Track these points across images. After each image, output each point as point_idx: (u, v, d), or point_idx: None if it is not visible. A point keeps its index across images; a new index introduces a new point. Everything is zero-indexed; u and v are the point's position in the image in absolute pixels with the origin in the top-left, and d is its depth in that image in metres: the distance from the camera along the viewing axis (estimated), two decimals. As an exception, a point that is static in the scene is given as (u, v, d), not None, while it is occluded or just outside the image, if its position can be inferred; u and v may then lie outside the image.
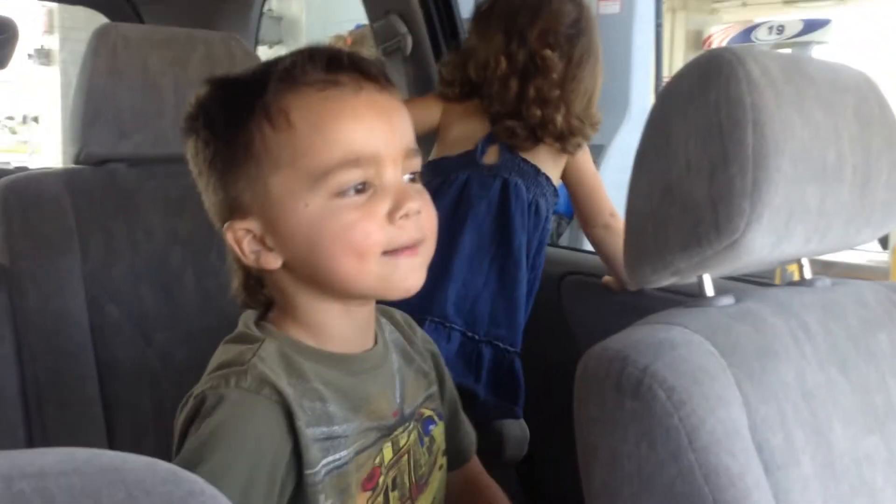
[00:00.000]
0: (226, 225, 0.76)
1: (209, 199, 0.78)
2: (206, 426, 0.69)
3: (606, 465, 0.63)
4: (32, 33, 7.82)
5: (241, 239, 0.75)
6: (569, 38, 1.38)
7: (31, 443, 1.18)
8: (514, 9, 1.39)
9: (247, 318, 0.80)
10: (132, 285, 1.26)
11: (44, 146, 8.46)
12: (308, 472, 0.71)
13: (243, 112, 0.73)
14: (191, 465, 0.67)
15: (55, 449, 0.37)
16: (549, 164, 1.41)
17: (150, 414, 1.24)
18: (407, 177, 0.76)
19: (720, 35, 7.60)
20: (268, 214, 0.73)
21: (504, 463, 1.39)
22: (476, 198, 1.37)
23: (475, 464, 0.98)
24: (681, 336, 0.66)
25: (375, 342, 0.82)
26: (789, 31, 7.06)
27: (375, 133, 0.72)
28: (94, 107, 1.25)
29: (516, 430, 1.40)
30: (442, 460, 0.88)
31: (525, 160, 1.39)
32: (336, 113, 0.71)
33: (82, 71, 1.27)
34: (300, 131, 0.71)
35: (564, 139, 1.38)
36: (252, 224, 0.74)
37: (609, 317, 1.43)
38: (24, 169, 1.96)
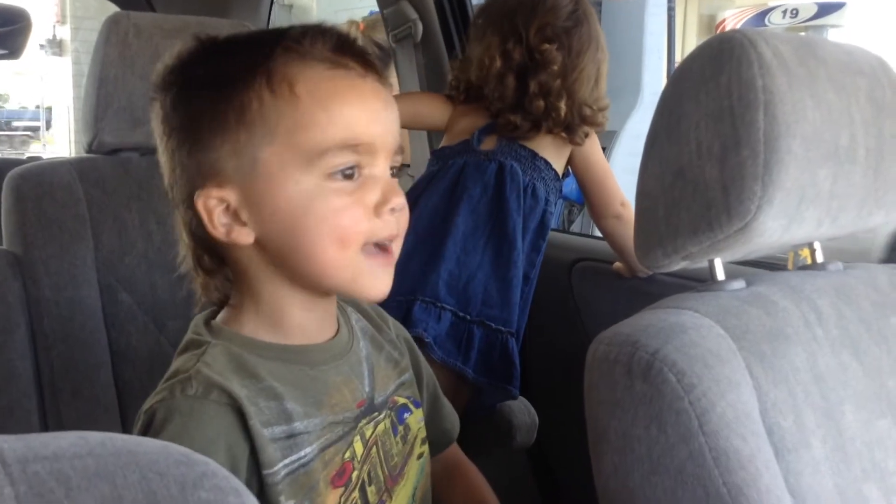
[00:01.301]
0: (197, 192, 0.70)
1: (175, 163, 0.72)
2: (161, 437, 0.66)
3: (617, 449, 0.63)
4: (45, 24, 7.85)
5: (213, 209, 0.70)
6: (566, 30, 1.39)
7: (45, 429, 1.19)
8: (510, 10, 1.41)
9: (196, 322, 0.77)
10: (145, 273, 1.27)
11: (56, 136, 8.51)
12: (266, 472, 0.69)
13: (242, 73, 0.69)
14: None
15: (69, 432, 0.38)
16: (551, 152, 1.41)
17: (165, 400, 1.25)
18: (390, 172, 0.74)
19: (733, 19, 7.54)
20: (250, 186, 0.69)
21: (514, 449, 1.40)
22: (471, 180, 1.37)
23: (455, 449, 0.97)
24: (691, 320, 0.66)
25: (338, 331, 0.80)
26: (803, 15, 7.00)
27: (378, 121, 0.71)
28: (106, 95, 1.25)
29: (525, 416, 1.40)
30: (421, 449, 0.85)
31: (523, 146, 1.39)
32: (344, 93, 0.69)
33: (94, 60, 1.27)
34: (304, 104, 0.68)
35: (572, 128, 1.38)
36: (228, 194, 0.69)
37: (620, 303, 1.43)
38: (37, 159, 1.97)
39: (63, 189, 1.24)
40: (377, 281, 0.72)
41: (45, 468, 0.34)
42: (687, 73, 0.70)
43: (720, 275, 0.74)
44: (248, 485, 0.67)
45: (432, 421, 0.90)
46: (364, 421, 0.77)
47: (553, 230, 1.51)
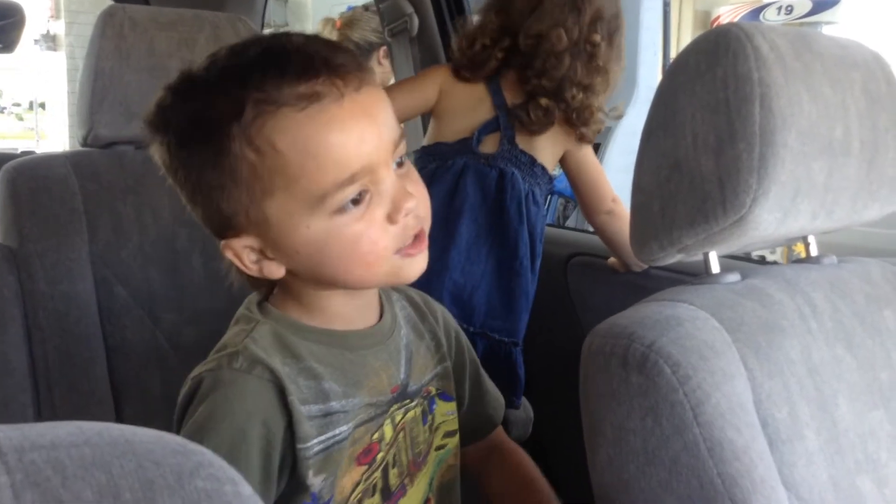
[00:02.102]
0: (222, 242, 0.74)
1: (196, 211, 0.75)
2: (202, 408, 0.71)
3: (612, 441, 0.64)
4: (39, 18, 7.82)
5: (241, 253, 0.73)
6: (610, 30, 1.38)
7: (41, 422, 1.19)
8: None
9: (250, 301, 0.80)
10: (140, 267, 1.27)
11: (50, 132, 8.48)
12: (300, 446, 0.72)
13: (221, 136, 0.68)
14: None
15: (66, 422, 0.38)
16: (547, 155, 1.40)
17: (159, 394, 1.25)
18: (395, 164, 0.74)
19: (729, 15, 7.54)
20: (266, 235, 0.72)
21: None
22: (472, 188, 1.35)
23: (500, 431, 0.99)
24: (686, 312, 0.66)
25: (381, 318, 0.83)
26: (798, 11, 7.00)
27: (365, 141, 0.69)
28: (101, 89, 1.25)
29: (521, 411, 1.40)
30: (444, 441, 0.88)
31: (523, 151, 1.38)
32: (323, 131, 0.67)
33: (89, 53, 1.27)
34: (289, 157, 0.67)
35: (590, 126, 1.38)
36: (250, 240, 0.73)
37: (615, 297, 1.43)
38: (32, 153, 1.97)
39: (58, 183, 1.24)
40: (413, 268, 0.75)
41: (42, 457, 0.34)
42: (683, 66, 0.70)
43: (715, 268, 0.74)
44: (284, 458, 0.73)
45: (475, 408, 0.94)
46: (395, 406, 0.80)
47: (549, 225, 1.52)
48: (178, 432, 0.72)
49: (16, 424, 0.36)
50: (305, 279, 0.76)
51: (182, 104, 0.71)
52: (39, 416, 1.19)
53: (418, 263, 0.75)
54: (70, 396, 1.21)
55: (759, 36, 0.66)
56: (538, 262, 1.40)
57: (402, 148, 0.74)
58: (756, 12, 7.35)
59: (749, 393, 0.63)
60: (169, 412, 1.26)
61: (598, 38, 1.35)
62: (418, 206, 0.73)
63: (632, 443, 0.62)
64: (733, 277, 0.74)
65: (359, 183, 0.69)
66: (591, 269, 1.54)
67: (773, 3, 7.29)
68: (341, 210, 0.69)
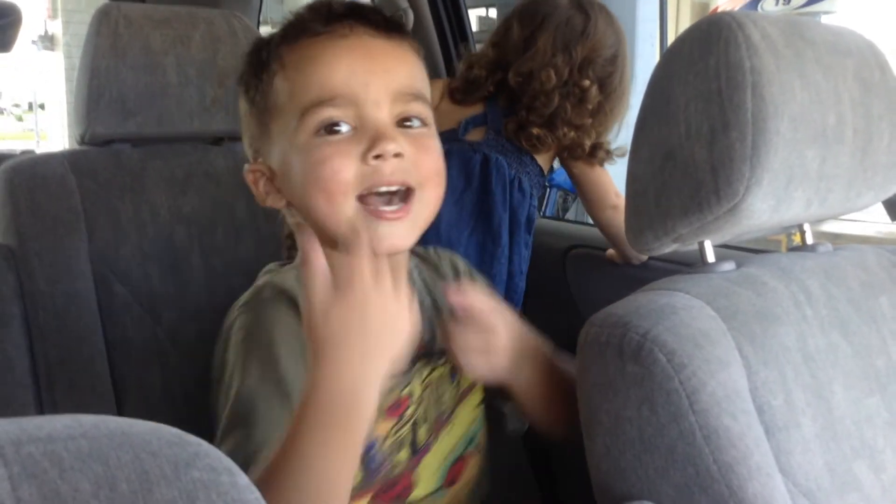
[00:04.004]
0: (245, 167, 0.82)
1: (244, 142, 0.86)
2: (244, 323, 0.76)
3: (609, 430, 0.64)
4: (36, 18, 7.81)
5: (258, 180, 0.81)
6: (606, 73, 1.39)
7: (43, 421, 1.19)
8: (562, 22, 1.38)
9: (269, 265, 0.86)
10: (139, 265, 1.27)
11: (50, 132, 8.48)
12: None
13: (258, 66, 0.80)
14: (240, 364, 0.73)
15: (63, 415, 0.38)
16: (541, 158, 1.42)
17: (160, 391, 1.26)
18: (414, 123, 0.76)
19: (727, 6, 7.52)
20: (272, 156, 0.79)
21: (508, 435, 1.40)
22: (455, 171, 1.36)
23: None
24: (681, 301, 0.66)
25: None
26: (796, 2, 6.99)
27: (356, 74, 0.74)
28: (97, 87, 1.25)
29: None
30: (474, 398, 0.89)
31: (510, 140, 1.39)
32: (317, 55, 0.75)
33: (85, 51, 1.27)
34: (290, 76, 0.76)
35: (589, 157, 1.39)
36: (263, 166, 0.81)
37: (613, 289, 1.43)
38: (31, 152, 1.97)
39: (56, 181, 1.24)
40: (382, 234, 0.73)
41: (39, 449, 0.34)
42: (676, 55, 0.70)
43: (710, 257, 0.74)
44: None
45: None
46: (422, 363, 0.83)
47: (548, 217, 1.52)
48: (220, 377, 0.76)
49: (13, 418, 0.37)
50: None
51: (248, 55, 0.84)
52: (41, 414, 1.19)
53: (390, 231, 0.74)
54: (71, 394, 1.21)
55: (750, 24, 0.66)
56: (524, 252, 1.40)
57: (415, 108, 0.76)
58: (754, 3, 7.34)
59: (745, 381, 0.64)
60: (170, 408, 1.26)
61: (586, 82, 1.37)
62: (408, 160, 0.74)
63: (628, 431, 0.63)
64: (728, 266, 0.74)
65: (339, 109, 0.73)
66: (589, 260, 1.54)
67: (771, -7, 7.27)
68: (319, 131, 0.74)
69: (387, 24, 0.78)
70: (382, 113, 0.74)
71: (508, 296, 1.38)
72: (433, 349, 0.84)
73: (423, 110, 0.77)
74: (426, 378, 0.83)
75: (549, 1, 1.41)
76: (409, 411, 0.81)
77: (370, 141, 0.72)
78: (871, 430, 0.70)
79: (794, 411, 0.65)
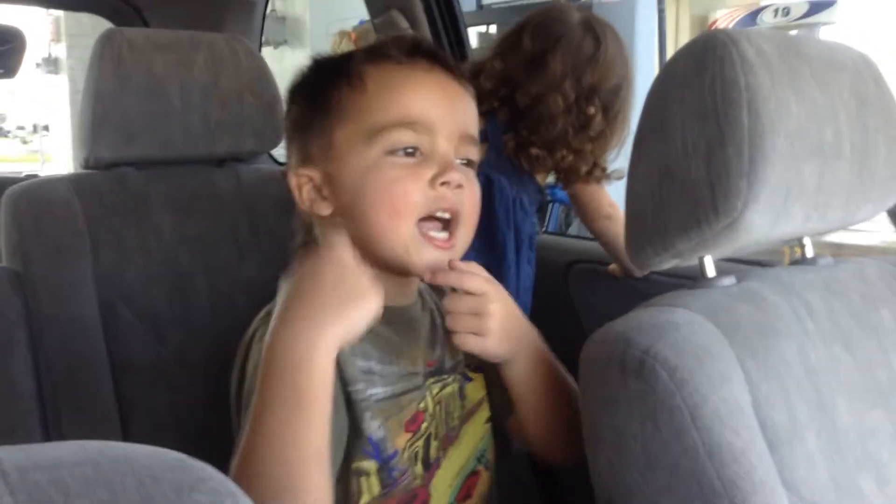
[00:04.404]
0: (291, 171, 0.85)
1: (288, 152, 0.89)
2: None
3: (611, 446, 0.64)
4: (40, 42, 7.88)
5: (303, 185, 0.84)
6: (610, 100, 1.39)
7: (49, 445, 1.19)
8: (575, 45, 1.38)
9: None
10: (144, 287, 1.27)
11: (55, 155, 8.53)
12: (350, 388, 0.78)
13: (331, 77, 0.84)
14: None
15: (69, 442, 0.38)
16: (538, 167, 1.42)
17: (167, 414, 1.26)
18: (460, 161, 0.82)
19: (725, 19, 7.55)
20: (328, 163, 0.82)
21: (513, 454, 1.40)
22: None
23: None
24: (683, 317, 0.67)
25: (413, 303, 0.88)
26: (795, 13, 7.01)
27: (436, 107, 0.80)
28: (101, 111, 1.26)
29: None
30: (482, 414, 0.91)
31: (509, 159, 1.39)
32: (403, 81, 0.81)
33: (88, 76, 1.28)
34: (370, 91, 0.81)
35: (585, 177, 1.40)
36: (313, 172, 0.83)
37: (616, 304, 1.43)
38: (35, 177, 1.98)
39: (61, 205, 1.25)
40: (427, 255, 0.80)
41: (45, 477, 0.35)
42: (671, 73, 0.71)
43: (710, 272, 0.75)
44: (340, 399, 0.77)
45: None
46: (432, 380, 0.85)
47: (550, 233, 1.52)
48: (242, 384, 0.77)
49: (18, 445, 0.37)
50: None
51: (314, 66, 0.88)
52: (47, 439, 1.20)
53: (436, 257, 0.80)
54: (77, 418, 1.21)
55: (744, 41, 0.67)
56: (528, 269, 1.41)
57: (471, 151, 0.84)
58: (753, 15, 7.36)
59: (747, 395, 0.64)
60: (177, 430, 1.26)
61: (592, 109, 1.37)
62: (464, 192, 0.80)
63: (632, 448, 0.63)
64: (729, 281, 0.74)
65: (415, 134, 0.79)
66: (592, 275, 1.54)
67: (770, 5, 7.30)
68: (393, 151, 0.79)
69: (460, 71, 0.85)
70: (451, 146, 0.81)
71: None
72: (444, 367, 0.87)
73: (476, 153, 0.85)
74: (437, 395, 0.85)
75: (563, 18, 1.41)
76: (424, 426, 0.83)
77: (440, 168, 0.79)
78: (875, 443, 0.70)
79: (798, 425, 0.65)
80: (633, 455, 0.63)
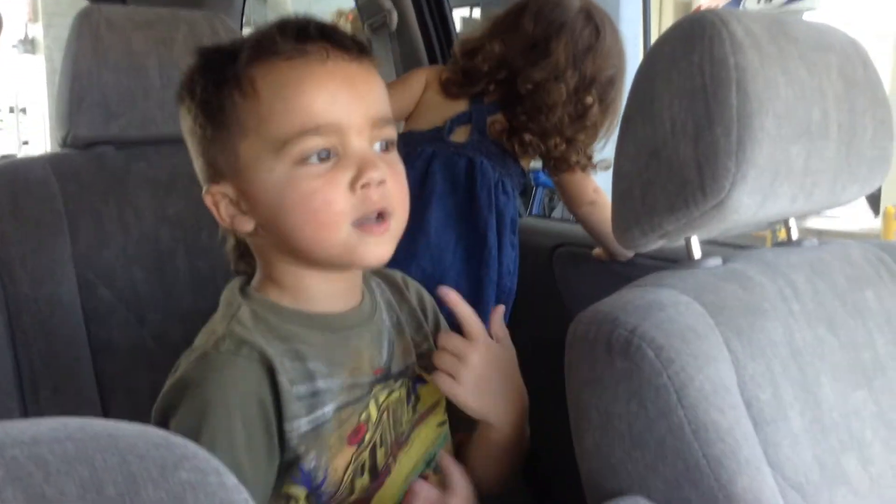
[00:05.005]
0: (204, 189, 0.78)
1: (196, 165, 0.81)
2: (195, 399, 0.72)
3: (598, 426, 0.64)
4: (16, 22, 7.75)
5: (219, 202, 0.77)
6: (604, 91, 1.39)
7: (28, 426, 1.18)
8: (576, 33, 1.37)
9: (231, 287, 0.82)
10: (124, 267, 1.26)
11: (32, 137, 8.41)
12: (287, 426, 0.73)
13: (218, 81, 0.75)
14: (192, 435, 0.68)
15: (49, 418, 0.38)
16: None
17: (147, 395, 1.24)
18: (378, 145, 0.76)
19: (709, 4, 7.55)
20: (238, 179, 0.75)
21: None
22: (441, 175, 1.36)
23: None
24: (669, 297, 0.66)
25: (362, 301, 0.84)
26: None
27: (339, 102, 0.73)
28: (79, 90, 1.24)
29: None
30: (441, 417, 0.89)
31: (493, 142, 1.39)
32: (298, 81, 0.73)
33: (66, 54, 1.26)
34: (264, 99, 0.73)
35: (568, 167, 1.39)
36: (227, 188, 0.77)
37: (600, 287, 1.43)
38: (12, 156, 1.95)
39: (38, 185, 1.23)
40: (371, 250, 0.75)
41: (24, 453, 0.34)
42: (659, 53, 0.71)
43: (697, 253, 0.75)
44: (276, 435, 0.74)
45: None
46: (379, 387, 0.82)
47: (535, 216, 1.52)
48: (162, 425, 0.72)
49: (-3, 422, 0.36)
50: (273, 244, 0.77)
51: (198, 62, 0.79)
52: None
53: (378, 247, 0.75)
54: (57, 399, 1.20)
55: (734, 21, 0.66)
56: (511, 253, 1.40)
57: (387, 132, 0.77)
58: (736, 2, 7.37)
59: (733, 375, 0.64)
60: (157, 411, 1.25)
61: (590, 99, 1.36)
62: (388, 186, 0.75)
63: (617, 427, 0.63)
64: (715, 262, 0.74)
65: (323, 138, 0.72)
66: (576, 259, 1.54)
67: (753, -9, 7.31)
68: (303, 161, 0.72)
69: (359, 48, 0.77)
70: (364, 140, 0.74)
71: (499, 297, 1.38)
72: (391, 373, 0.84)
73: (393, 133, 0.79)
74: (384, 402, 0.82)
75: (563, 4, 1.39)
76: (368, 436, 0.80)
77: (357, 170, 0.73)
78: (859, 423, 0.71)
79: (782, 405, 0.66)
80: (618, 434, 0.63)
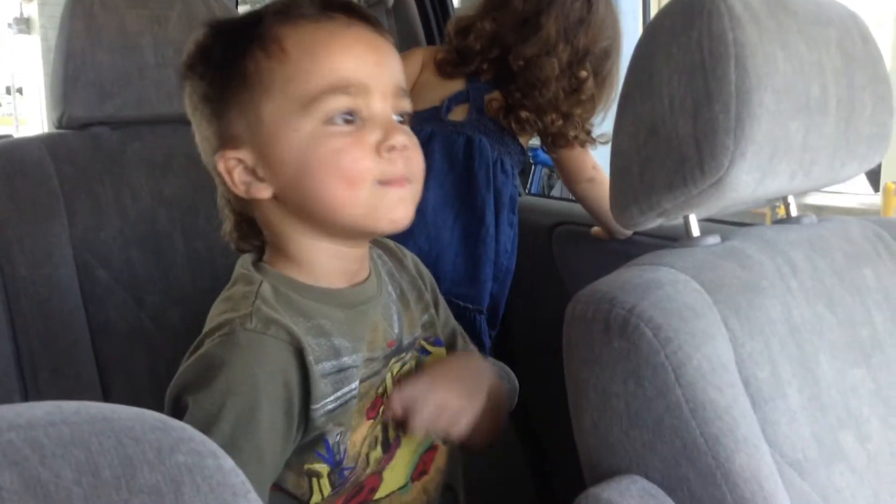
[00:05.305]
0: (217, 154, 0.76)
1: (201, 134, 0.79)
2: (222, 375, 0.70)
3: (596, 405, 0.64)
4: (11, 1, 7.70)
5: (233, 169, 0.76)
6: (599, 65, 1.38)
7: (28, 408, 1.18)
8: (567, 7, 1.36)
9: (244, 261, 0.81)
10: (121, 249, 1.26)
11: (29, 117, 8.38)
12: (314, 406, 0.73)
13: (240, 43, 0.75)
14: (214, 414, 0.69)
15: (44, 402, 0.38)
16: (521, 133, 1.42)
17: (146, 376, 1.25)
18: (396, 118, 0.77)
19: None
20: (259, 142, 0.74)
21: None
22: (439, 154, 1.35)
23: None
24: (667, 276, 0.66)
25: (369, 276, 0.83)
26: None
27: (365, 64, 0.74)
28: (73, 70, 1.23)
29: (504, 381, 1.41)
30: None
31: (492, 119, 1.38)
32: (327, 41, 0.73)
33: (60, 34, 1.25)
34: (292, 57, 0.73)
35: (567, 143, 1.39)
36: (244, 154, 0.75)
37: (599, 266, 1.42)
38: (8, 137, 1.94)
39: (33, 166, 1.23)
40: (393, 210, 0.76)
41: (20, 436, 0.34)
42: (658, 28, 0.70)
43: (695, 231, 0.74)
44: (299, 417, 0.73)
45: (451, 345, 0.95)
46: (394, 360, 0.82)
47: (533, 195, 1.51)
48: (176, 403, 0.72)
49: (-8, 405, 0.36)
50: (289, 213, 0.76)
51: (214, 31, 0.78)
52: (26, 401, 1.19)
53: (401, 204, 0.76)
54: (56, 380, 1.20)
55: (733, -4, 0.65)
56: (509, 231, 1.40)
57: (406, 104, 0.78)
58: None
59: (731, 353, 0.64)
60: (157, 392, 1.25)
61: (584, 73, 1.36)
62: (410, 153, 0.76)
63: (615, 406, 0.63)
64: (713, 240, 0.74)
65: (351, 98, 0.73)
66: (575, 237, 1.54)
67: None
68: (330, 120, 0.72)
69: (377, 22, 0.78)
70: (387, 105, 0.75)
71: (496, 276, 1.38)
72: (402, 345, 0.84)
73: (409, 107, 0.79)
74: (397, 374, 0.82)
75: None
76: (383, 409, 0.80)
77: (383, 132, 0.73)
78: (857, 400, 0.71)
79: (781, 383, 0.66)
80: (616, 413, 0.63)
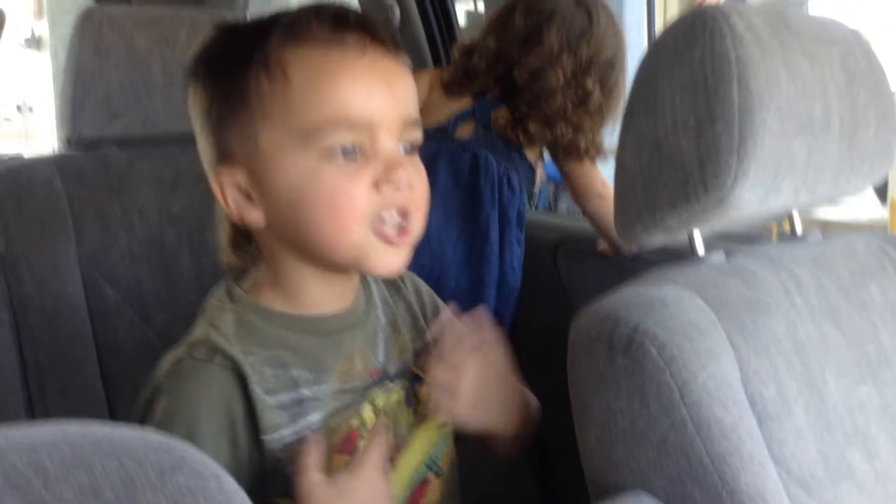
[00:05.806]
0: (212, 171, 0.74)
1: (201, 144, 0.76)
2: (163, 400, 0.71)
3: (600, 423, 0.64)
4: (22, 20, 7.77)
5: (226, 187, 0.73)
6: (605, 74, 1.39)
7: (35, 426, 1.18)
8: (567, 19, 1.38)
9: (218, 289, 0.80)
10: (129, 267, 1.27)
11: (39, 134, 8.44)
12: (267, 437, 0.71)
13: (243, 60, 0.71)
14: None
15: (47, 424, 0.38)
16: (529, 150, 1.42)
17: (153, 393, 1.25)
18: (403, 147, 0.73)
19: (714, -6, 7.50)
20: (254, 167, 0.71)
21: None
22: (445, 172, 1.36)
23: None
24: (671, 293, 0.66)
25: (356, 301, 0.81)
26: (784, -9, 6.97)
27: (373, 98, 0.70)
28: (82, 89, 1.24)
29: None
30: (435, 420, 0.84)
31: (498, 135, 1.38)
32: (334, 71, 0.69)
33: (69, 54, 1.26)
34: (295, 86, 0.69)
35: (578, 156, 1.39)
36: (238, 174, 0.72)
37: (605, 283, 1.42)
38: (19, 157, 1.96)
39: (43, 185, 1.24)
40: (384, 259, 0.73)
41: (23, 459, 0.34)
42: (661, 47, 0.70)
43: (700, 248, 0.74)
44: (249, 450, 0.72)
45: None
46: (376, 390, 0.79)
47: (538, 212, 1.52)
48: (141, 422, 0.72)
49: (-4, 427, 0.36)
50: (281, 241, 0.74)
51: (219, 38, 0.75)
52: (32, 419, 1.19)
53: (392, 256, 0.73)
54: (62, 398, 1.21)
55: (735, 16, 0.66)
56: (516, 249, 1.40)
57: (415, 135, 0.74)
58: (741, -9, 7.32)
59: (736, 371, 0.64)
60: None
61: (590, 83, 1.37)
62: (412, 191, 0.72)
63: (620, 424, 0.63)
64: (718, 257, 0.74)
65: (354, 133, 0.69)
66: (581, 254, 1.54)
67: (759, -18, 7.25)
68: (330, 155, 0.69)
69: (394, 42, 0.74)
70: (393, 140, 0.71)
71: (501, 293, 1.38)
72: (388, 374, 0.81)
73: (419, 136, 0.75)
74: (382, 406, 0.79)
75: None
76: (362, 444, 0.76)
77: (385, 169, 0.70)
78: (864, 417, 0.70)
79: (787, 401, 0.65)
80: (621, 431, 0.63)
